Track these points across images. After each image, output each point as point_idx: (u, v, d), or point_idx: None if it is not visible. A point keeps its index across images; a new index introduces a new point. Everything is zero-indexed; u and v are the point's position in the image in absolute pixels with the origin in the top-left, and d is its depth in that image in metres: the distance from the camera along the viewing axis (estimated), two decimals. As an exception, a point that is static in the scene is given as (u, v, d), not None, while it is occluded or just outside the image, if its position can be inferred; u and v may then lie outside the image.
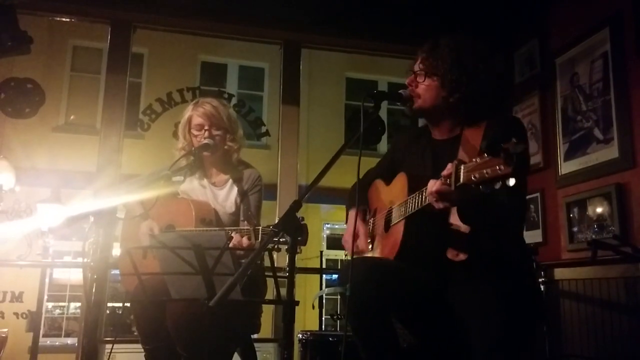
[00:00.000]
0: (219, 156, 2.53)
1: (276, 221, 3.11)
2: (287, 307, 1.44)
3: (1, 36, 3.22)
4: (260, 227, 2.14)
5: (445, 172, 1.52)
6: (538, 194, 3.77)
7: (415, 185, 1.76)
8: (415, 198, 1.74)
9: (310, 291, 7.62)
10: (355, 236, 2.01)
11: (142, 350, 2.33)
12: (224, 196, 2.53)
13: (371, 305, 1.70)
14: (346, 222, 2.19)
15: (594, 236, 3.21)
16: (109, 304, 4.78)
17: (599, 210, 3.24)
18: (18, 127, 5.54)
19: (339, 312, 3.22)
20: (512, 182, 1.33)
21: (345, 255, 2.29)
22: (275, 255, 1.96)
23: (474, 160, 1.42)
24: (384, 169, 2.16)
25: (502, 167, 1.33)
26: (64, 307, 9.11)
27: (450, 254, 1.74)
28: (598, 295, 3.14)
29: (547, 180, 3.72)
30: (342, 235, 2.12)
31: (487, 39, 3.97)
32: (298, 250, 1.56)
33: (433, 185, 1.57)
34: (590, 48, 3.41)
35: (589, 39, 3.42)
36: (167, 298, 2.01)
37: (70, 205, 3.93)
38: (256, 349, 2.56)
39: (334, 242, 10.52)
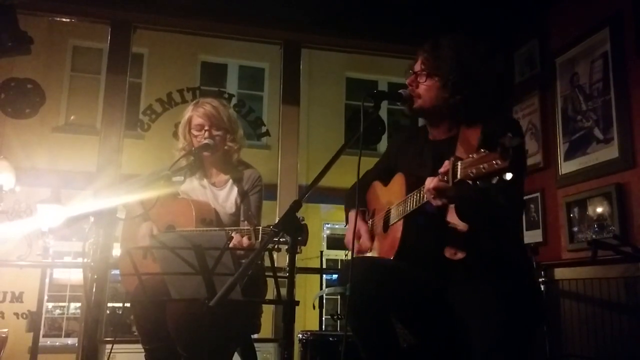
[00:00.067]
0: (219, 156, 2.53)
1: (276, 221, 3.11)
2: (287, 307, 1.44)
3: (1, 36, 3.22)
4: (261, 227, 2.14)
5: (442, 169, 1.53)
6: (538, 194, 3.77)
7: (413, 185, 1.77)
8: (413, 197, 1.74)
9: (310, 291, 7.63)
10: (356, 236, 2.02)
11: (142, 350, 2.33)
12: (224, 196, 2.53)
13: (371, 305, 1.70)
14: (346, 223, 2.19)
15: (594, 236, 3.21)
16: (109, 304, 4.78)
17: (599, 210, 3.24)
18: (18, 128, 5.55)
19: (339, 312, 3.22)
20: (509, 176, 1.34)
21: (346, 255, 2.29)
22: (275, 255, 1.96)
23: (470, 156, 1.42)
24: (382, 170, 2.17)
25: (498, 161, 1.34)
26: (64, 307, 9.11)
27: (448, 252, 1.75)
28: (598, 295, 3.14)
29: (547, 180, 3.72)
30: (343, 235, 2.12)
31: (487, 39, 4.01)
32: (298, 250, 1.56)
33: (430, 182, 1.58)
34: (590, 48, 3.41)
35: (589, 39, 3.42)
36: (167, 298, 2.01)
37: (70, 206, 3.92)
38: (256, 349, 2.56)
39: (334, 242, 10.52)
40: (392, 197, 1.96)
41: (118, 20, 3.92)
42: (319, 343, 2.63)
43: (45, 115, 6.27)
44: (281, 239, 1.63)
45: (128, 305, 2.39)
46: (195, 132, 2.49)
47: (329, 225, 10.66)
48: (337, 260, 10.32)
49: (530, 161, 3.84)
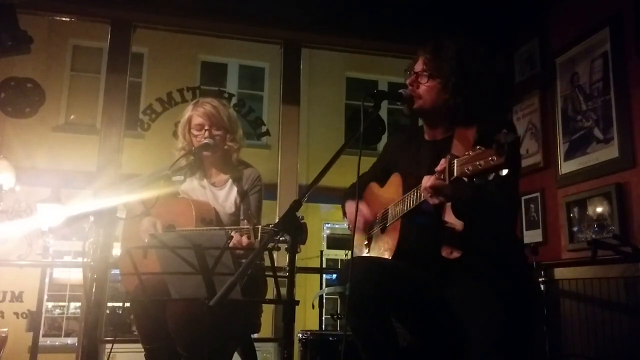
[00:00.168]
0: (219, 156, 2.53)
1: (276, 221, 3.11)
2: (287, 306, 1.44)
3: (1, 36, 3.23)
4: (260, 226, 2.14)
5: (438, 168, 1.54)
6: (538, 194, 3.77)
7: (410, 185, 1.77)
8: (411, 196, 1.75)
9: (310, 291, 7.63)
10: (359, 213, 1.98)
11: (142, 350, 2.33)
12: (224, 196, 2.53)
13: (371, 304, 1.70)
14: (344, 215, 2.19)
15: (594, 236, 3.21)
16: (109, 304, 4.78)
17: (599, 209, 3.24)
18: (18, 127, 5.54)
19: (339, 312, 3.22)
20: (504, 172, 1.34)
21: (346, 254, 2.30)
22: (275, 255, 1.96)
23: (466, 153, 1.43)
24: (378, 171, 2.17)
25: (494, 157, 1.34)
26: (64, 306, 9.11)
27: (445, 252, 1.75)
28: (598, 294, 3.14)
29: (547, 180, 3.72)
30: (343, 234, 2.12)
31: (487, 39, 4.02)
32: (298, 250, 1.56)
33: (427, 180, 1.58)
34: (590, 48, 3.41)
35: (589, 38, 3.41)
36: (167, 298, 2.02)
37: (70, 205, 3.93)
38: (256, 348, 2.57)
39: (334, 241, 10.53)
40: (389, 197, 1.96)
41: (118, 19, 3.92)
42: (319, 342, 2.63)
43: (45, 115, 6.26)
44: (281, 238, 1.63)
45: (128, 304, 2.40)
46: (195, 132, 2.49)
47: (329, 225, 10.65)
48: (337, 260, 10.32)
49: (530, 161, 3.84)
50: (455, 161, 1.46)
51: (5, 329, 4.25)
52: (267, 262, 2.16)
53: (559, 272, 3.44)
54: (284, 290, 1.52)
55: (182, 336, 2.13)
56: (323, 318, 4.21)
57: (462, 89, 1.82)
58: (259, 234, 2.12)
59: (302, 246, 1.78)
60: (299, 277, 2.56)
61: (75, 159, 6.85)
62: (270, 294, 2.59)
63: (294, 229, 1.48)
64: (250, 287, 2.17)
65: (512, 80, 4.13)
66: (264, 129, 4.78)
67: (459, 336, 1.69)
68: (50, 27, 7.62)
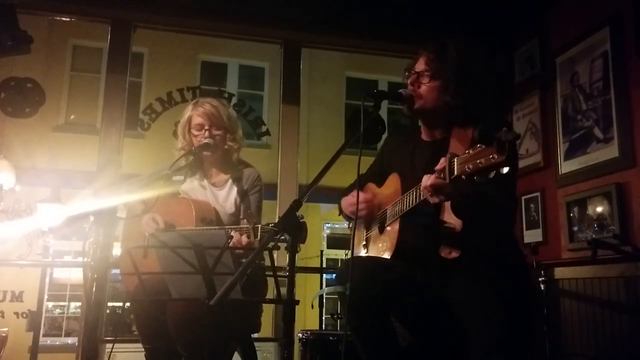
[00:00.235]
0: (219, 156, 2.53)
1: (276, 220, 3.11)
2: (288, 306, 1.44)
3: (1, 36, 3.22)
4: (260, 226, 2.14)
5: (438, 166, 1.53)
6: (538, 194, 3.77)
7: (409, 185, 1.77)
8: (410, 195, 1.74)
9: (310, 290, 7.62)
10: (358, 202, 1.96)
11: (143, 349, 2.33)
12: (224, 197, 2.53)
13: (370, 305, 1.70)
14: (339, 213, 2.19)
15: (594, 235, 3.22)
16: (109, 304, 4.78)
17: (599, 209, 3.24)
18: (18, 127, 5.54)
19: (339, 312, 3.22)
20: (505, 170, 1.34)
21: (346, 254, 2.30)
22: (275, 254, 1.96)
23: (467, 152, 1.42)
24: (375, 172, 2.17)
25: (495, 155, 1.34)
26: (64, 306, 9.12)
27: (444, 252, 1.74)
28: (598, 294, 3.14)
29: (547, 179, 3.72)
30: (343, 234, 2.12)
31: (487, 39, 4.01)
32: (298, 249, 1.56)
33: (427, 179, 1.58)
34: (590, 47, 3.41)
35: (589, 38, 3.41)
36: (168, 297, 2.01)
37: (70, 205, 3.93)
38: (256, 348, 2.56)
39: (334, 241, 10.52)
40: (387, 197, 1.96)
41: (118, 19, 3.92)
42: (319, 342, 2.63)
43: (45, 115, 6.25)
44: (281, 238, 1.63)
45: (128, 304, 2.39)
46: (195, 132, 2.49)
47: (329, 225, 10.65)
48: (337, 259, 10.32)
49: (530, 161, 3.84)
50: (456, 160, 1.46)
51: (6, 329, 4.25)
52: (267, 262, 2.15)
53: (559, 272, 3.44)
54: (284, 290, 1.52)
55: (182, 336, 2.13)
56: (323, 318, 4.20)
57: (463, 91, 1.82)
58: (259, 234, 2.13)
59: (302, 246, 1.78)
60: (299, 277, 2.56)
61: (75, 159, 6.85)
62: (271, 293, 2.59)
63: (294, 229, 1.48)
64: (250, 287, 2.17)
65: (512, 80, 4.14)
66: (264, 128, 4.79)
67: (459, 336, 1.68)
68: (50, 27, 7.61)
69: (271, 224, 2.11)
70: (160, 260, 1.92)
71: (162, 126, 4.35)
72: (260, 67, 9.95)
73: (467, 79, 1.82)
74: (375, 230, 2.03)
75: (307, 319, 5.15)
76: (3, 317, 6.08)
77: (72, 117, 8.76)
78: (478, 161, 1.38)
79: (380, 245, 1.96)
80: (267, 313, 2.86)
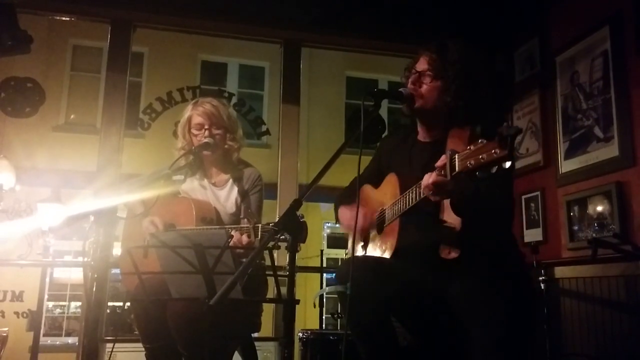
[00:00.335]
0: (219, 155, 2.53)
1: (276, 220, 3.11)
2: (288, 306, 1.44)
3: (1, 35, 3.22)
4: (260, 225, 2.14)
5: (439, 163, 1.52)
6: (538, 193, 3.77)
7: (407, 185, 1.76)
8: (409, 195, 1.74)
9: (310, 290, 7.62)
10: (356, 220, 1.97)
11: (143, 349, 2.33)
12: (224, 196, 2.53)
13: (370, 304, 1.70)
14: (336, 222, 2.18)
15: (594, 234, 3.22)
16: (110, 304, 4.78)
17: (599, 208, 3.24)
18: (18, 127, 5.54)
19: (339, 311, 3.22)
20: (508, 164, 1.34)
21: (346, 254, 2.29)
22: (275, 254, 1.96)
23: (468, 148, 1.42)
24: (372, 173, 2.16)
25: (497, 150, 1.34)
26: (64, 306, 9.12)
27: (443, 251, 1.74)
28: (598, 293, 3.14)
29: (547, 178, 3.72)
30: (343, 234, 2.12)
31: (487, 38, 4.01)
32: (298, 249, 1.56)
33: (429, 177, 1.57)
34: (590, 46, 3.41)
35: (589, 37, 3.41)
36: (168, 297, 2.01)
37: (70, 205, 3.93)
38: (257, 347, 2.57)
39: (335, 241, 10.52)
40: (385, 197, 1.95)
41: (118, 19, 3.92)
42: (319, 342, 2.63)
43: (46, 115, 6.26)
44: (281, 237, 1.63)
45: (128, 304, 2.39)
46: (195, 131, 2.49)
47: (329, 224, 10.65)
48: (337, 259, 10.32)
49: (530, 160, 3.84)
50: (457, 156, 1.45)
51: (6, 329, 4.25)
52: (268, 261, 2.15)
53: (559, 271, 3.44)
54: (284, 290, 1.52)
55: (183, 335, 2.14)
56: (323, 317, 4.20)
57: (464, 92, 1.82)
58: (259, 233, 2.12)
59: (302, 245, 1.78)
60: (299, 277, 2.56)
61: (75, 158, 6.84)
62: (271, 293, 2.59)
63: (294, 228, 1.48)
64: (250, 287, 2.17)
65: (512, 79, 4.13)
66: (264, 128, 4.79)
67: (459, 336, 1.68)
68: (50, 27, 7.61)
69: (271, 223, 2.10)
70: (160, 260, 1.92)
71: (162, 126, 4.35)
72: (260, 67, 9.95)
73: (467, 80, 1.82)
74: (373, 232, 2.02)
75: (307, 319, 5.15)
76: (3, 316, 6.09)
77: (72, 117, 8.76)
78: (480, 156, 1.37)
79: (379, 245, 1.95)
80: (268, 312, 2.86)
